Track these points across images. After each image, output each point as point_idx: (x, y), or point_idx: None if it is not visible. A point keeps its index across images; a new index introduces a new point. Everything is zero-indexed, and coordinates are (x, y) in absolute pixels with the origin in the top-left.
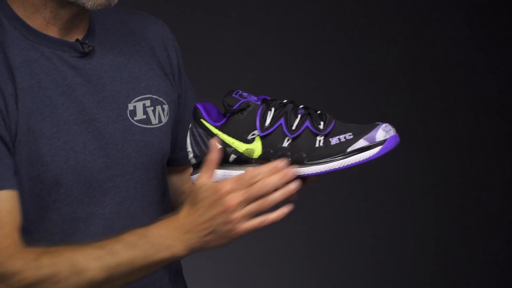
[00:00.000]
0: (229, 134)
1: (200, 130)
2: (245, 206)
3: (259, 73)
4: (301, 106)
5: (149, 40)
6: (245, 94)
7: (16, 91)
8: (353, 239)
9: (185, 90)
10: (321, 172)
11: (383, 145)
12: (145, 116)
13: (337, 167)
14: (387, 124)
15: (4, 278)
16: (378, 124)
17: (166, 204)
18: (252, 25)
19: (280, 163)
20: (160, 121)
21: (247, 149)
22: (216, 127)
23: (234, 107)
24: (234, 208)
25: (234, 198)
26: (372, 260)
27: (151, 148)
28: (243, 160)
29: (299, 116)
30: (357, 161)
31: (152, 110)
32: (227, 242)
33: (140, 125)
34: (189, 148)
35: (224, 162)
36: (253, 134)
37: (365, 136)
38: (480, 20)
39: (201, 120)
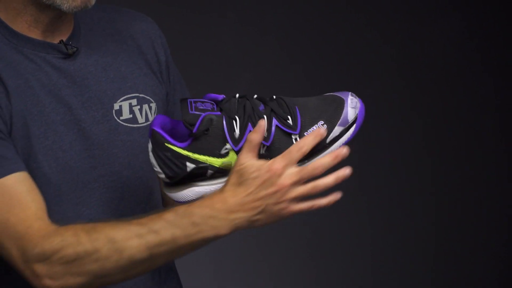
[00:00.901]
0: (200, 153)
1: (167, 154)
2: (297, 187)
3: (256, 72)
4: (255, 97)
5: (136, 39)
6: (199, 103)
7: (7, 89)
8: (353, 239)
9: (173, 87)
10: None
11: (356, 122)
12: (131, 116)
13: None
14: (351, 96)
15: (43, 257)
16: (343, 100)
17: (155, 202)
18: (249, 25)
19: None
20: (147, 119)
21: (224, 162)
22: (184, 148)
23: (195, 129)
24: (287, 188)
25: (287, 179)
26: (372, 260)
27: (138, 147)
28: (221, 173)
29: (265, 117)
30: (337, 147)
31: (139, 109)
32: (274, 221)
33: (126, 124)
34: (158, 169)
35: (202, 179)
36: (226, 149)
37: (339, 122)
38: (477, 20)
39: (166, 144)
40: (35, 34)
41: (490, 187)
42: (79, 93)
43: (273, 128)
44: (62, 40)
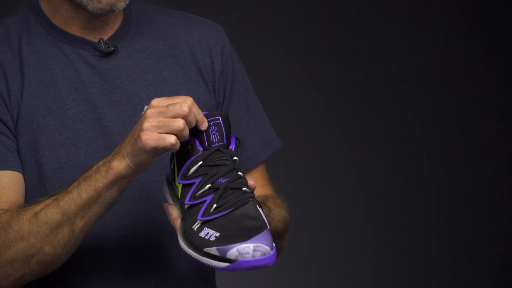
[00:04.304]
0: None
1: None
2: (155, 118)
3: (259, 73)
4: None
5: (192, 45)
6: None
7: (24, 83)
8: (353, 240)
9: (230, 98)
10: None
11: (231, 264)
12: None
13: (194, 257)
14: (256, 244)
15: None
16: (245, 242)
17: None
18: (251, 24)
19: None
20: None
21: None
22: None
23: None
24: (146, 117)
25: (153, 110)
26: (373, 261)
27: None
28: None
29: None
30: (208, 264)
31: None
32: (137, 149)
33: None
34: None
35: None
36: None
37: (219, 247)
38: (479, 20)
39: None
40: (73, 30)
41: (491, 187)
42: (109, 92)
43: (200, 200)
44: (101, 39)
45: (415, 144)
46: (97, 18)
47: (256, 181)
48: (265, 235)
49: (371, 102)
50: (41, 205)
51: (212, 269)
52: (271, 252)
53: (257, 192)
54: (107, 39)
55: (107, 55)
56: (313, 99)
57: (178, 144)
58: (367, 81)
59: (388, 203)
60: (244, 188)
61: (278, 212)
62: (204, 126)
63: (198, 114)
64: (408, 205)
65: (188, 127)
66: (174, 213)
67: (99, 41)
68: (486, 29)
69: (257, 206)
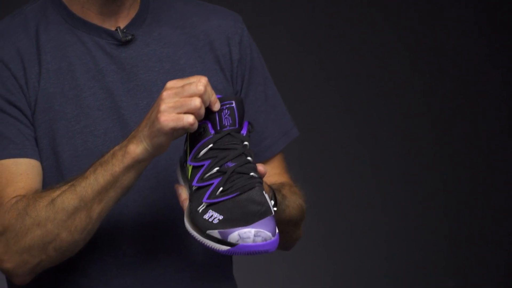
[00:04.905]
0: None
1: None
2: (171, 99)
3: (268, 65)
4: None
5: (210, 34)
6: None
7: (41, 71)
8: (366, 232)
9: (247, 87)
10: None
11: (232, 248)
12: None
13: (197, 239)
14: (257, 229)
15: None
16: (247, 226)
17: None
18: (261, 17)
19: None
20: None
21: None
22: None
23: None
24: (162, 98)
25: (168, 91)
26: (385, 253)
27: (181, 139)
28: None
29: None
30: (210, 246)
31: None
32: (155, 131)
33: None
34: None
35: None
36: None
37: (221, 230)
38: (488, 18)
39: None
40: (90, 17)
41: (497, 185)
42: (126, 80)
43: (207, 183)
44: (118, 27)
45: (428, 139)
46: (116, 5)
47: (274, 170)
48: (268, 221)
49: (380, 98)
50: (58, 192)
51: (229, 257)
52: (273, 239)
53: (274, 180)
54: (124, 27)
55: (124, 43)
56: (322, 94)
57: (196, 124)
58: (382, 74)
59: (403, 195)
60: (252, 173)
61: (294, 200)
62: (216, 107)
63: (212, 94)
64: (422, 198)
65: (204, 106)
66: (184, 194)
67: (117, 30)
68: (493, 27)
69: (264, 192)
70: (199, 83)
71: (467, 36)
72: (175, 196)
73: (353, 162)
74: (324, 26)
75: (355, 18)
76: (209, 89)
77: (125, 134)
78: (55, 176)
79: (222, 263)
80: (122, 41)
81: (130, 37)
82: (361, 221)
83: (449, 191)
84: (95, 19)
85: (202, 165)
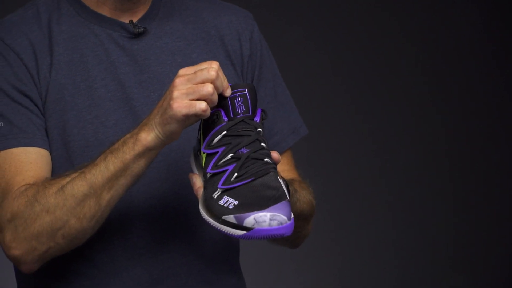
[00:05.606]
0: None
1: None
2: (183, 86)
3: (280, 59)
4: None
5: (221, 29)
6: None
7: (52, 62)
8: (374, 229)
9: (257, 83)
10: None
11: (248, 232)
12: None
13: (212, 225)
14: (273, 213)
15: (8, 223)
16: (262, 210)
17: None
18: (273, 11)
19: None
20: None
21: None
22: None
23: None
24: (174, 86)
25: (181, 78)
26: (392, 249)
27: (192, 131)
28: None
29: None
30: (226, 232)
31: None
32: (168, 118)
33: None
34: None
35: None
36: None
37: (236, 215)
38: (495, 18)
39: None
40: (104, 10)
41: (502, 185)
42: (138, 72)
43: (222, 169)
44: (131, 20)
45: (437, 137)
46: (131, 0)
47: (282, 166)
48: (283, 205)
49: (394, 93)
50: (68, 179)
51: (236, 251)
52: (288, 222)
53: (283, 176)
54: (137, 21)
55: (136, 36)
56: (328, 93)
57: (209, 110)
58: (390, 73)
59: (411, 193)
60: (266, 159)
61: (304, 195)
62: (228, 92)
63: (224, 79)
64: (431, 196)
65: (216, 91)
66: (198, 182)
67: (129, 23)
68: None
69: (279, 177)
70: (211, 68)
71: (475, 36)
72: (186, 189)
73: (361, 161)
74: (333, 24)
75: (363, 17)
76: (221, 74)
77: (136, 125)
78: (65, 166)
79: (230, 257)
80: (134, 33)
81: (142, 29)
82: (369, 219)
83: (458, 189)
84: (108, 14)
85: (216, 152)
